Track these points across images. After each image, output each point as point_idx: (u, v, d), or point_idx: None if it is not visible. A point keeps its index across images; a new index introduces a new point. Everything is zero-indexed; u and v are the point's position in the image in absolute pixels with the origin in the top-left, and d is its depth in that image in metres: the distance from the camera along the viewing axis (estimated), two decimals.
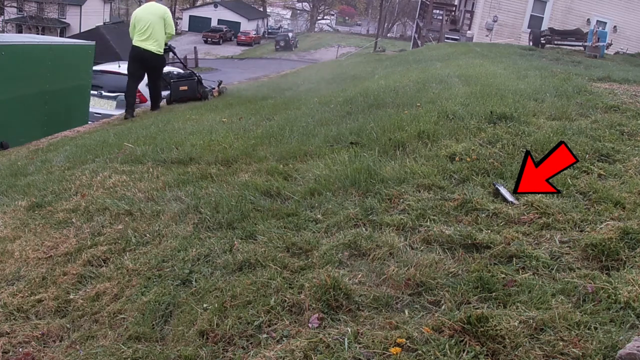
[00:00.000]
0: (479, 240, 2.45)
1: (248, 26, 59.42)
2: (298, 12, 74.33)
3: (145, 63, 7.27)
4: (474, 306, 1.99)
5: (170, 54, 7.90)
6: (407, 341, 1.81)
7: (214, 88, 9.11)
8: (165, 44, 7.44)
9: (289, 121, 5.34)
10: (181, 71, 9.14)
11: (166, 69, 12.83)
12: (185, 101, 8.32)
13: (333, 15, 77.01)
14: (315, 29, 69.01)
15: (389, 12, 65.45)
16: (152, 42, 7.12)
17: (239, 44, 54.26)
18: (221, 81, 9.82)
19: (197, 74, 8.80)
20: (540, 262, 2.26)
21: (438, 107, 4.79)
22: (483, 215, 2.73)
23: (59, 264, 2.90)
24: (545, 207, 2.75)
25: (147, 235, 3.04)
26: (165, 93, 8.87)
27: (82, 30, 38.13)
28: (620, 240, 2.37)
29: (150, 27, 7.07)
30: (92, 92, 9.73)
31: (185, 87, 8.43)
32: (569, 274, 2.19)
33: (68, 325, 2.38)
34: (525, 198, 2.87)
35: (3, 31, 38.44)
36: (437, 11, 26.43)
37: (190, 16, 61.25)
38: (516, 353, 1.73)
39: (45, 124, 8.35)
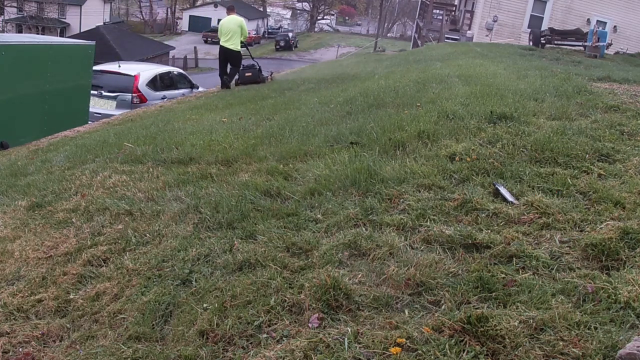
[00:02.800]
0: (479, 240, 2.45)
1: (248, 26, 59.16)
2: (298, 12, 74.29)
3: (227, 56, 10.47)
4: (474, 306, 1.99)
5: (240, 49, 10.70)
6: (407, 341, 1.81)
7: (267, 76, 11.88)
8: (243, 43, 10.55)
9: (289, 121, 5.34)
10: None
11: (165, 68, 12.94)
12: (249, 84, 10.80)
13: (333, 15, 76.97)
14: (315, 29, 68.98)
15: (389, 12, 65.47)
16: (230, 43, 10.27)
17: None
18: (272, 72, 13.05)
19: (259, 65, 11.46)
20: (540, 262, 2.27)
21: (438, 107, 4.79)
22: (483, 215, 2.73)
23: (59, 264, 2.90)
24: (545, 207, 2.75)
25: (147, 235, 3.04)
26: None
27: (82, 30, 38.12)
28: (620, 240, 2.37)
29: (231, 32, 10.25)
30: (92, 92, 9.73)
31: (250, 74, 11.05)
32: (569, 274, 2.20)
33: (68, 325, 2.38)
34: (525, 198, 2.87)
35: (3, 31, 38.42)
36: (437, 11, 26.42)
37: (190, 16, 61.22)
38: (516, 353, 1.73)
39: (45, 124, 8.36)
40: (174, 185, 3.73)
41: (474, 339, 1.80)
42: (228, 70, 10.64)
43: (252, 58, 11.73)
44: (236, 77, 10.90)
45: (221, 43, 10.34)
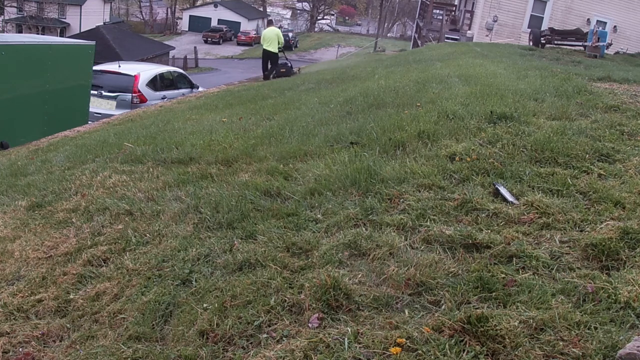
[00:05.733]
0: (479, 240, 2.45)
1: (248, 26, 59.39)
2: (298, 12, 74.28)
3: (268, 57, 14.10)
4: (474, 306, 1.99)
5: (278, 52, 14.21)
6: (407, 341, 1.81)
7: (295, 71, 15.34)
8: (280, 48, 14.04)
9: (289, 121, 5.34)
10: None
11: (165, 68, 12.97)
12: (284, 77, 13.72)
13: (333, 15, 76.96)
14: (315, 29, 68.97)
15: (389, 12, 65.44)
16: (271, 47, 13.84)
17: (239, 44, 54.22)
18: (300, 68, 17.35)
19: (290, 62, 15.28)
20: (540, 262, 2.26)
21: (438, 107, 4.79)
22: (483, 215, 2.73)
23: (59, 264, 2.90)
24: (545, 207, 2.75)
25: (147, 235, 3.04)
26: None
27: (82, 30, 38.11)
28: (620, 240, 2.37)
29: (271, 40, 13.80)
30: (92, 92, 9.74)
31: (284, 70, 14.35)
32: (569, 274, 2.20)
33: (68, 325, 2.38)
34: (525, 198, 2.87)
35: (3, 31, 38.42)
36: (437, 11, 26.40)
37: (190, 16, 61.23)
38: (516, 353, 1.73)
39: (45, 124, 8.36)
40: (174, 185, 3.73)
41: (474, 339, 1.80)
42: (268, 67, 14.28)
43: (287, 58, 15.55)
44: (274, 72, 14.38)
45: (264, 47, 14.08)
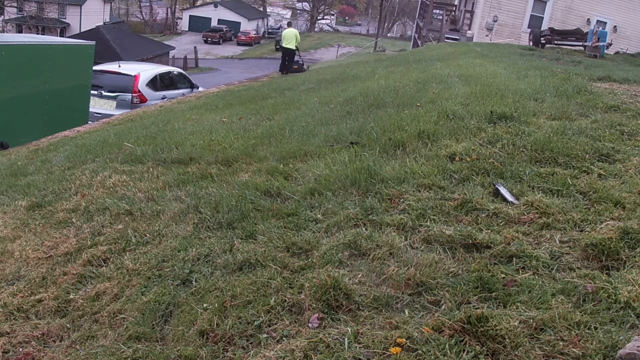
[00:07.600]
0: (479, 240, 2.45)
1: (248, 26, 59.39)
2: (298, 12, 74.26)
3: (286, 54, 16.40)
4: (474, 306, 1.99)
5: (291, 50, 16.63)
6: (407, 341, 1.81)
7: (305, 68, 18.13)
8: (296, 47, 16.28)
9: (289, 121, 5.34)
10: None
11: (165, 68, 12.98)
12: (296, 72, 16.04)
13: (333, 15, 76.97)
14: (316, 29, 68.96)
15: (389, 12, 65.44)
16: (290, 45, 16.03)
17: (239, 44, 54.23)
18: (309, 65, 20.18)
19: (302, 60, 18.04)
20: (540, 262, 2.27)
21: (438, 107, 4.79)
22: (483, 215, 2.73)
23: (59, 264, 2.90)
24: (545, 207, 2.75)
25: (147, 235, 3.04)
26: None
27: (82, 30, 38.10)
28: (620, 240, 2.37)
29: (289, 39, 16.06)
30: (92, 92, 9.74)
31: (297, 67, 16.97)
32: (569, 274, 2.20)
33: (68, 325, 2.38)
34: (525, 198, 2.87)
35: (3, 31, 38.43)
36: (437, 11, 26.40)
37: (190, 16, 61.23)
38: (516, 353, 1.73)
39: (45, 124, 8.36)
40: (174, 185, 3.73)
41: (474, 339, 1.80)
42: (286, 63, 16.55)
43: (300, 57, 17.86)
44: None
45: (283, 45, 16.40)
